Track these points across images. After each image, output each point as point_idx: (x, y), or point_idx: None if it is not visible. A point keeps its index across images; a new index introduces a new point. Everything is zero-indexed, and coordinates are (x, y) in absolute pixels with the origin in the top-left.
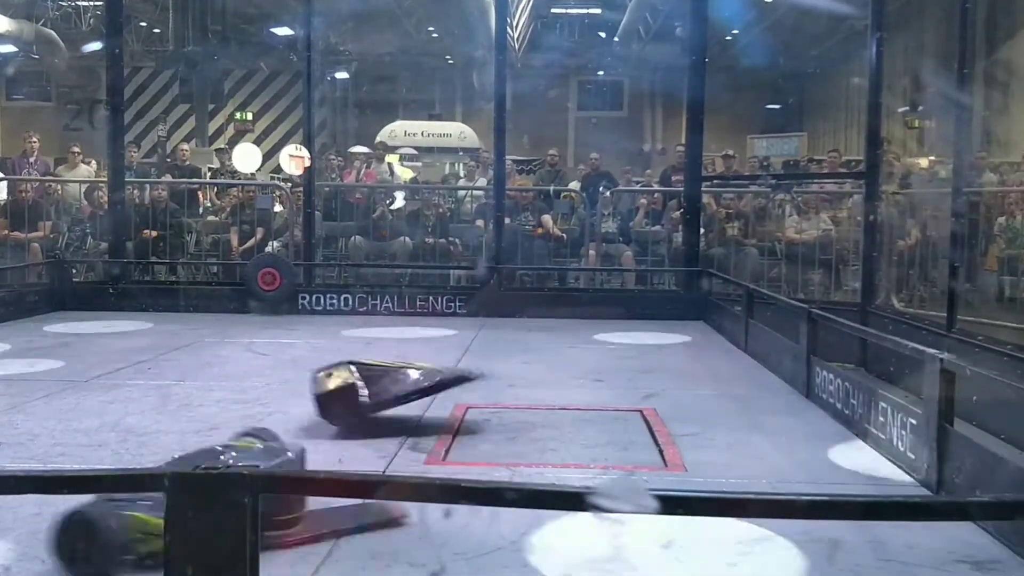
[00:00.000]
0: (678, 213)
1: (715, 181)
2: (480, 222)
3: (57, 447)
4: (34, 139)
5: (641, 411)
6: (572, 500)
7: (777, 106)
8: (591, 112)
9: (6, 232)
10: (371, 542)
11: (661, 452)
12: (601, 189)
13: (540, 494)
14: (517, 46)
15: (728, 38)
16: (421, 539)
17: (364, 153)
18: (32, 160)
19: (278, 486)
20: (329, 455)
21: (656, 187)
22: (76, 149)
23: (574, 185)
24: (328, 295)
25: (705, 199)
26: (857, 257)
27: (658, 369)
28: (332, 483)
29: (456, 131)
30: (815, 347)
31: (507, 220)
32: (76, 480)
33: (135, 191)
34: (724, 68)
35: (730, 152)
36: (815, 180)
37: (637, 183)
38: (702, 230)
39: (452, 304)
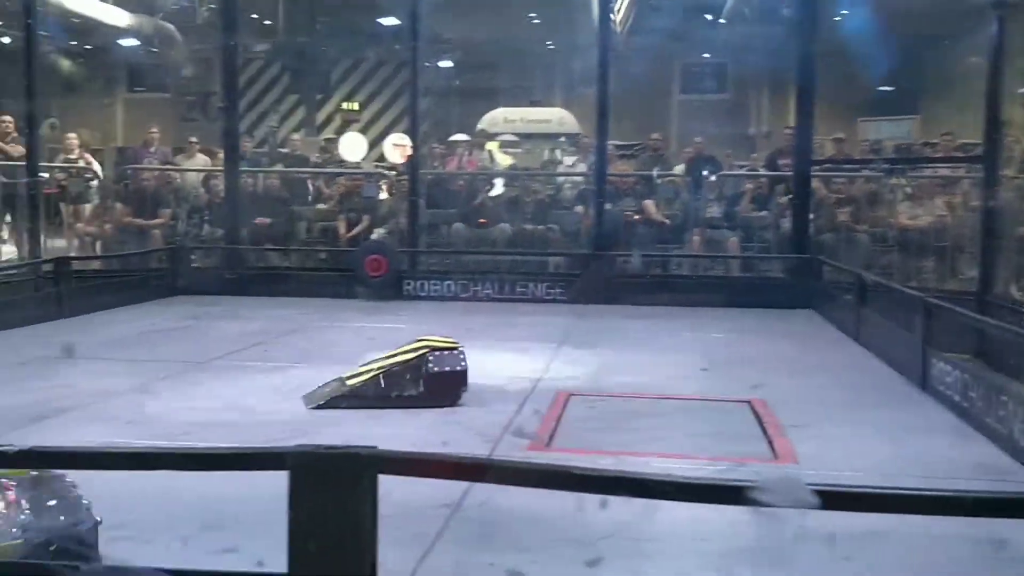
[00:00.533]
0: (786, 198)
1: (825, 165)
2: (579, 208)
3: (181, 426)
4: (154, 130)
5: (749, 401)
6: (729, 494)
7: (889, 88)
8: (695, 95)
9: (129, 219)
10: (481, 525)
11: (771, 443)
12: (706, 174)
13: (696, 487)
14: (620, 29)
15: (837, 18)
16: (528, 522)
17: (465, 141)
18: (152, 150)
19: (399, 468)
20: (432, 438)
21: (763, 171)
22: (193, 139)
23: (678, 169)
24: (431, 281)
25: (814, 184)
26: (973, 244)
27: (766, 358)
28: (449, 465)
29: (556, 117)
30: (931, 337)
31: (608, 206)
32: (205, 458)
33: (249, 180)
34: (833, 49)
35: (841, 135)
36: (930, 164)
37: (740, 167)
38: (811, 216)
39: (552, 291)
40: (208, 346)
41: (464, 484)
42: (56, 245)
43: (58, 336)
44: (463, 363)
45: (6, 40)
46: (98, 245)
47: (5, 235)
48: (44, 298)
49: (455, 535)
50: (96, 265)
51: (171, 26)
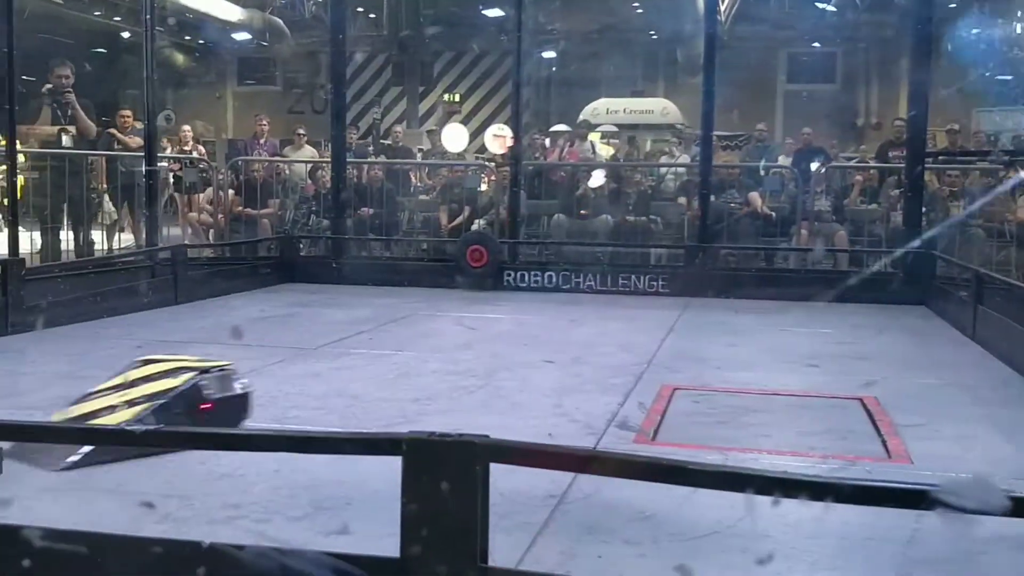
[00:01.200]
0: (897, 191)
1: (940, 157)
2: (682, 200)
3: (292, 410)
4: (264, 122)
5: (861, 399)
6: (913, 498)
7: (1008, 77)
8: (802, 85)
9: (239, 209)
10: (587, 516)
11: (884, 442)
12: (814, 166)
13: (872, 491)
14: (725, 18)
15: (952, 5)
16: (634, 515)
17: (567, 131)
18: (262, 141)
19: (511, 457)
20: (539, 430)
21: (872, 163)
22: (301, 131)
23: (784, 161)
24: (532, 272)
25: (927, 176)
26: None
27: (877, 355)
28: (562, 457)
29: (659, 107)
30: None
31: (712, 198)
32: (321, 441)
33: (354, 171)
34: (947, 36)
35: (955, 126)
36: None
37: (848, 160)
38: (923, 209)
39: (654, 283)
40: (316, 333)
41: (569, 475)
42: (173, 234)
43: (173, 322)
44: (242, 385)
45: (125, 35)
46: (211, 234)
47: (124, 224)
48: (160, 285)
49: (561, 526)
50: (209, 253)
51: (280, 21)
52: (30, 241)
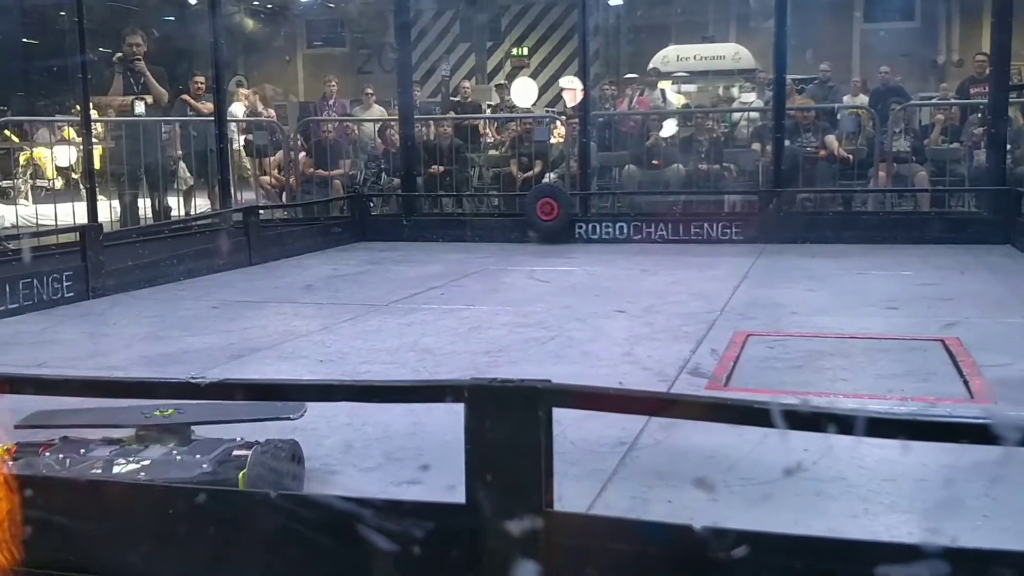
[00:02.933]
0: (980, 129)
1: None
2: (756, 146)
3: (364, 364)
4: (333, 83)
5: (942, 340)
6: (963, 432)
7: None
8: (879, 23)
9: (312, 170)
10: (657, 463)
11: (967, 383)
12: (892, 106)
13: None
14: None
15: None
16: (706, 460)
17: (637, 80)
18: (331, 102)
19: (574, 401)
20: (610, 378)
21: (954, 100)
22: (369, 90)
23: (861, 101)
24: (603, 224)
25: (1011, 112)
26: None
27: (960, 296)
28: (624, 399)
29: (730, 52)
30: None
31: (787, 142)
32: (385, 390)
33: (423, 128)
34: None
35: None
36: None
37: (928, 99)
38: (1008, 146)
39: (728, 230)
40: (387, 290)
41: (640, 423)
42: (246, 197)
43: (248, 282)
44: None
45: (194, 1)
46: (283, 196)
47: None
48: (234, 247)
49: (631, 472)
50: (281, 214)
51: None
52: (109, 209)
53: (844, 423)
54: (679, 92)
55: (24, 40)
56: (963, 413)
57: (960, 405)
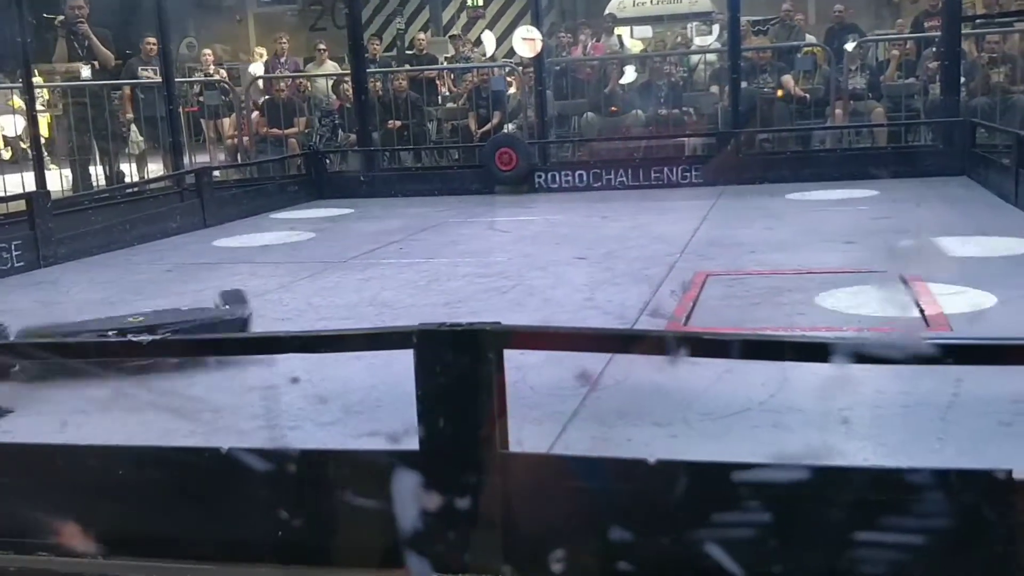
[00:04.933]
0: (935, 63)
1: (977, 22)
2: (715, 88)
3: (321, 321)
4: (284, 41)
5: (899, 272)
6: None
7: None
8: None
9: (266, 129)
10: (616, 401)
11: (922, 312)
12: (849, 46)
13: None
14: None
15: None
16: (665, 399)
17: (592, 26)
18: (283, 60)
19: (522, 341)
20: (570, 323)
21: (908, 34)
22: (322, 46)
23: (812, 39)
24: (563, 172)
25: (965, 45)
26: None
27: (917, 228)
28: (581, 338)
29: None
30: None
31: (744, 84)
32: (333, 339)
33: (378, 83)
34: None
35: None
36: None
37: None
38: (963, 79)
39: (688, 174)
40: (346, 246)
41: (600, 365)
42: (200, 160)
43: (202, 244)
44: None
45: None
46: (238, 157)
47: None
48: (188, 209)
49: (592, 412)
50: (237, 175)
51: None
52: (60, 177)
53: (796, 350)
54: (635, 38)
55: None
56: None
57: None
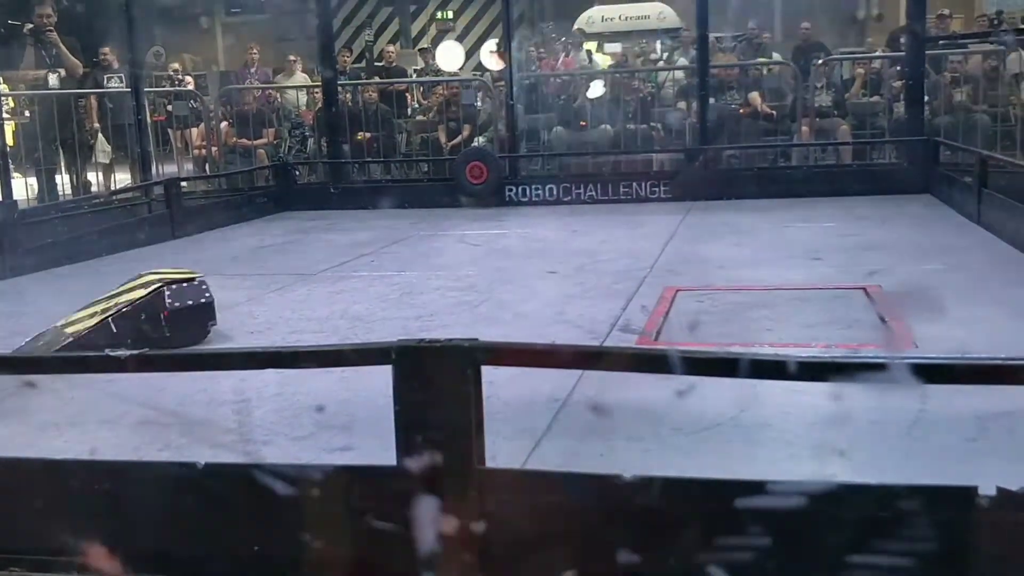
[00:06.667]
0: (899, 82)
1: (940, 43)
2: (682, 104)
3: (293, 334)
4: (254, 51)
5: (864, 288)
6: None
7: None
8: None
9: (234, 140)
10: (589, 419)
11: (888, 329)
12: (814, 61)
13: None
14: None
15: None
16: (638, 414)
17: (561, 42)
18: (253, 71)
19: (500, 358)
20: (542, 338)
21: (875, 54)
22: (292, 57)
23: (779, 57)
24: (533, 186)
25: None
26: None
27: (881, 245)
28: (556, 355)
29: (655, 12)
30: None
31: (712, 100)
32: (312, 355)
33: (347, 94)
34: None
35: (945, 11)
36: None
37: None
38: (926, 98)
39: (656, 189)
40: (316, 259)
41: (572, 381)
42: (168, 170)
43: (172, 255)
44: (207, 294)
45: None
46: (207, 167)
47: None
48: (156, 220)
49: (564, 428)
50: (205, 186)
51: None
52: (26, 187)
53: (763, 367)
54: (604, 52)
55: None
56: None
57: (883, 351)
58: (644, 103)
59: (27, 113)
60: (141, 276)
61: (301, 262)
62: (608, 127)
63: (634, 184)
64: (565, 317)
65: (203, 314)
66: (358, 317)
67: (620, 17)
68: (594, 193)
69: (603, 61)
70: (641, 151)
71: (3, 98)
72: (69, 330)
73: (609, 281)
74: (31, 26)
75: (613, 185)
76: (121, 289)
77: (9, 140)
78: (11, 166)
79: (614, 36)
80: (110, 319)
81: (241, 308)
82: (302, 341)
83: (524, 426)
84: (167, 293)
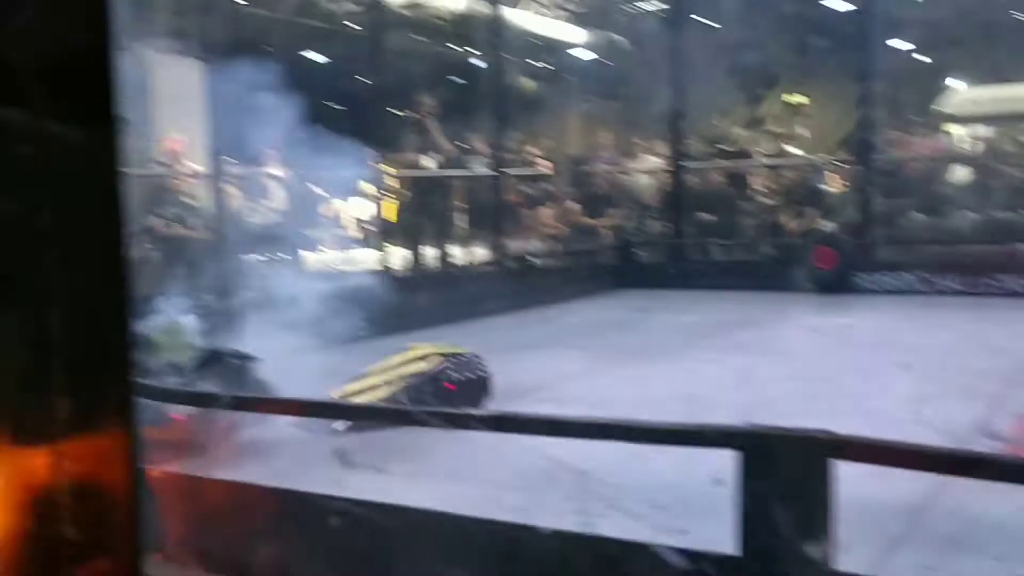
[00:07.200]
0: None
1: None
2: None
3: (630, 410)
4: (604, 135)
5: None
6: None
7: None
8: None
9: (582, 219)
10: (951, 529)
11: None
12: None
13: None
14: None
15: None
16: (1006, 531)
17: (924, 124)
18: (602, 154)
19: (857, 453)
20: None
21: None
22: (640, 141)
23: None
24: (886, 274)
25: None
26: None
27: None
28: (919, 456)
29: None
30: None
31: None
32: (659, 432)
33: (692, 176)
34: None
35: None
36: None
37: None
38: None
39: None
40: (654, 337)
41: (930, 485)
42: (519, 247)
43: (518, 326)
44: (484, 369)
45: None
46: (555, 244)
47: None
48: (507, 292)
49: (920, 537)
50: (552, 262)
51: (623, 38)
52: (399, 256)
53: None
54: (970, 136)
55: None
56: None
57: None
58: (1015, 190)
59: (403, 192)
60: (413, 349)
61: (639, 339)
62: (972, 214)
63: (1002, 277)
64: (920, 416)
65: (481, 388)
66: (695, 399)
67: (991, 99)
68: (955, 285)
69: (969, 144)
70: (1012, 241)
71: (387, 178)
72: (356, 399)
73: (972, 380)
74: (412, 114)
75: (977, 277)
76: (395, 362)
77: (389, 215)
78: (388, 238)
79: (982, 119)
80: (397, 391)
81: (582, 380)
82: (634, 418)
83: (876, 530)
84: (450, 367)
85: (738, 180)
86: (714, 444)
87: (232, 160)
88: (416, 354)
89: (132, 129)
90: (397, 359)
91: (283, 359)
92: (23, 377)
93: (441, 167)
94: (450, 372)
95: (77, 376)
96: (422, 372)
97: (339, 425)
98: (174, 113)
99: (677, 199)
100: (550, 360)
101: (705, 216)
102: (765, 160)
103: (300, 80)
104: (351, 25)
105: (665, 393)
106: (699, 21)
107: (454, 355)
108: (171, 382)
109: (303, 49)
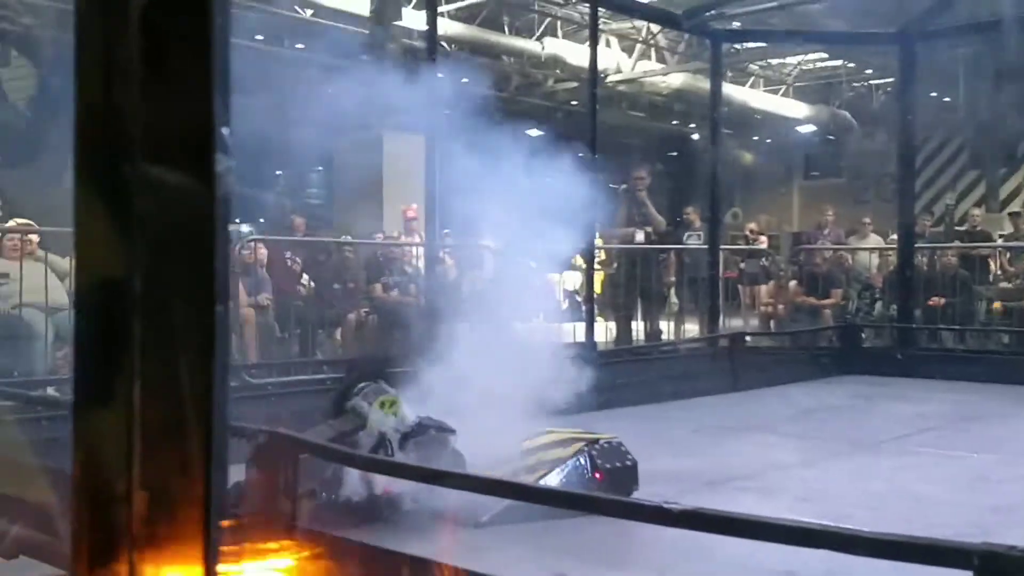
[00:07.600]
0: None
1: None
2: None
3: (847, 508)
4: (829, 213)
5: None
6: None
7: None
8: None
9: (802, 298)
10: None
11: None
12: None
13: None
14: None
15: None
16: None
17: None
18: (826, 232)
19: None
20: None
21: None
22: (866, 220)
23: None
24: None
25: None
26: None
27: None
28: None
29: None
30: None
31: None
32: (873, 543)
33: (923, 258)
34: None
35: None
36: None
37: None
38: None
39: None
40: (877, 428)
41: None
42: (734, 324)
43: (730, 408)
44: (630, 457)
45: (695, 136)
46: (772, 324)
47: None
48: (719, 372)
49: None
50: (769, 342)
51: (847, 113)
52: (605, 330)
53: None
54: None
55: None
56: None
57: None
58: None
59: (615, 264)
60: (550, 433)
61: (860, 429)
62: None
63: None
64: None
65: (628, 477)
66: (920, 499)
67: None
68: None
69: None
70: None
71: (597, 251)
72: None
73: None
74: (625, 187)
75: None
76: (533, 446)
77: (597, 288)
78: (596, 311)
79: None
80: (539, 479)
81: (794, 471)
82: (856, 517)
83: None
84: (595, 454)
85: (974, 263)
86: (942, 562)
87: (449, 232)
88: (552, 439)
89: (358, 203)
90: (532, 443)
91: (477, 432)
92: None
93: (653, 241)
94: (599, 460)
95: None
96: (562, 458)
97: (485, 517)
98: (402, 187)
99: (906, 280)
100: (760, 446)
101: (937, 300)
102: (1006, 242)
103: (522, 155)
104: (571, 102)
105: (887, 490)
106: (931, 96)
107: (596, 441)
108: (378, 453)
109: (527, 127)
